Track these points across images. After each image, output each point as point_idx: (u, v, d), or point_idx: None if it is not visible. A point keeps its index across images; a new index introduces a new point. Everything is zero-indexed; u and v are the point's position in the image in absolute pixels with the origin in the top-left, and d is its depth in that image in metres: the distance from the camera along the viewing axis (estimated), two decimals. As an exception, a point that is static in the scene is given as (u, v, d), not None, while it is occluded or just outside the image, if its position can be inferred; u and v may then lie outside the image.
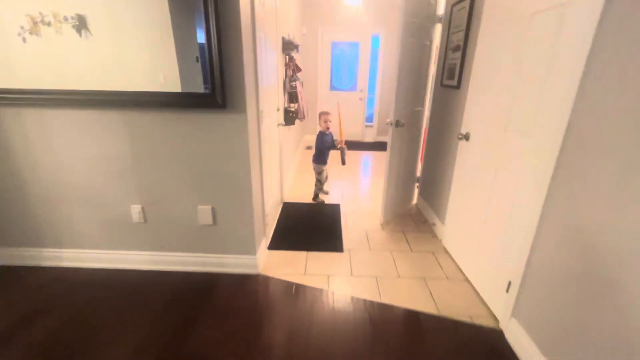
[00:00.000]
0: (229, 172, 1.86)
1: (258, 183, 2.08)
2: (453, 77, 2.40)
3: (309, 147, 5.45)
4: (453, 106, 2.42)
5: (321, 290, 1.96)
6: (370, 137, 6.19)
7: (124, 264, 2.09)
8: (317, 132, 3.16)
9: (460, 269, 2.17)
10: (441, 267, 2.21)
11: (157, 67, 1.67)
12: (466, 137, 2.08)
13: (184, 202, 1.94)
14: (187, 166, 1.86)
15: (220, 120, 1.76)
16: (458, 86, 2.32)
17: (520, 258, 1.53)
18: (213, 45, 1.59)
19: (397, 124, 2.53)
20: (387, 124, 2.54)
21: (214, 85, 1.66)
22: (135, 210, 1.97)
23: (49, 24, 1.61)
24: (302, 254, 2.32)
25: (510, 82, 1.66)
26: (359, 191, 3.62)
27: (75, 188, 1.94)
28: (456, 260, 2.24)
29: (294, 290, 1.94)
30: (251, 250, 2.04)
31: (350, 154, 4.58)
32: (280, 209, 3.03)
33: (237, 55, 1.65)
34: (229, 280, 2.03)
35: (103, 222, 2.01)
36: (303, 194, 3.42)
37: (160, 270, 2.09)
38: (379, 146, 5.69)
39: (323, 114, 3.12)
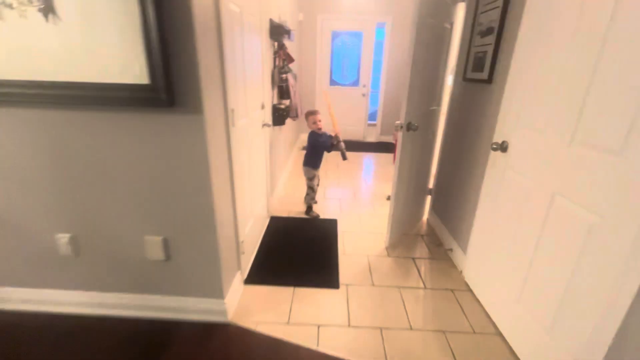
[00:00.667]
0: (184, 192, 1.37)
1: (227, 204, 1.59)
2: (482, 68, 1.89)
3: (304, 148, 4.95)
4: (482, 106, 1.92)
5: (309, 351, 1.47)
6: (372, 136, 5.68)
7: (52, 306, 1.61)
8: (309, 131, 2.67)
9: (489, 318, 1.68)
10: (465, 313, 1.72)
11: (132, 56, 1.17)
12: (502, 147, 1.58)
13: (127, 231, 1.45)
14: (129, 184, 1.37)
15: (167, 123, 1.26)
16: (489, 80, 1.81)
17: (601, 332, 1.04)
18: (149, 17, 1.09)
19: (409, 127, 2.03)
20: (397, 127, 2.04)
21: (155, 74, 1.16)
22: (62, 240, 1.48)
23: (10, 6, 1.13)
24: (287, 291, 1.83)
25: (580, 75, 1.15)
26: (360, 202, 3.13)
27: (-19, 211, 1.45)
28: (483, 304, 1.75)
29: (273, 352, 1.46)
30: (217, 292, 1.56)
31: (350, 156, 4.07)
32: (266, 225, 2.55)
33: (187, 32, 1.15)
34: (190, 331, 1.54)
35: (22, 253, 1.53)
36: (295, 205, 2.93)
37: (101, 315, 1.61)
38: (383, 147, 5.19)
39: (310, 114, 2.61)
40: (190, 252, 1.48)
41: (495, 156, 1.66)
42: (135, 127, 1.27)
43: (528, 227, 1.40)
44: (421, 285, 1.94)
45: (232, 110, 1.55)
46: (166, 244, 1.47)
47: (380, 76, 5.34)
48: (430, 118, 2.37)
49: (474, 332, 1.60)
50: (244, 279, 1.88)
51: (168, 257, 1.49)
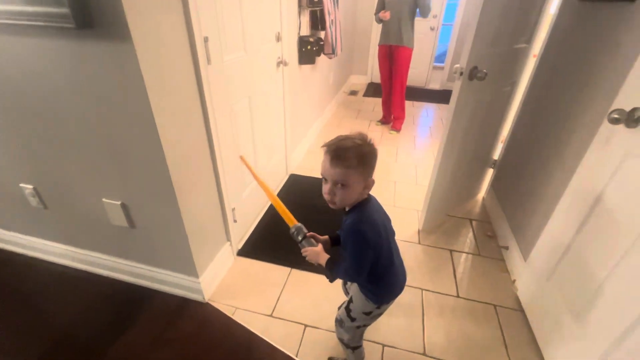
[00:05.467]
0: (130, 149, 1.05)
1: (202, 165, 1.25)
2: (621, -25, 1.10)
3: (352, 93, 4.33)
4: (605, 42, 1.17)
5: (286, 358, 1.19)
6: (437, 83, 4.73)
7: (37, 252, 1.55)
8: None
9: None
10: (505, 344, 1.25)
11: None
12: (631, 118, 0.91)
13: (84, 191, 1.22)
14: (72, 133, 1.08)
15: (83, 55, 0.89)
16: (632, -4, 1.05)
17: None
18: None
19: (474, 74, 1.38)
20: (455, 73, 1.41)
21: (50, -28, 0.76)
22: (27, 190, 1.31)
23: None
24: (282, 273, 1.54)
25: None
26: (402, 167, 2.57)
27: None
28: (538, 338, 1.25)
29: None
30: (191, 270, 1.31)
31: (407, 107, 3.31)
32: (281, 185, 2.21)
33: None
34: (162, 304, 1.37)
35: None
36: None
37: (82, 269, 1.50)
38: (449, 97, 4.26)
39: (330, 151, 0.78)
40: (153, 222, 1.22)
41: (611, 132, 1.00)
42: (59, 57, 0.92)
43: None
44: (453, 290, 1.48)
45: (206, 40, 1.11)
46: (126, 210, 1.21)
47: (458, 3, 4.19)
48: (511, 61, 1.63)
49: (515, 377, 1.15)
50: (237, 250, 1.62)
51: (132, 224, 1.25)
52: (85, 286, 1.44)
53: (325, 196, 0.79)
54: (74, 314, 1.32)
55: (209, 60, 1.14)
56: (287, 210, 0.92)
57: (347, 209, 0.83)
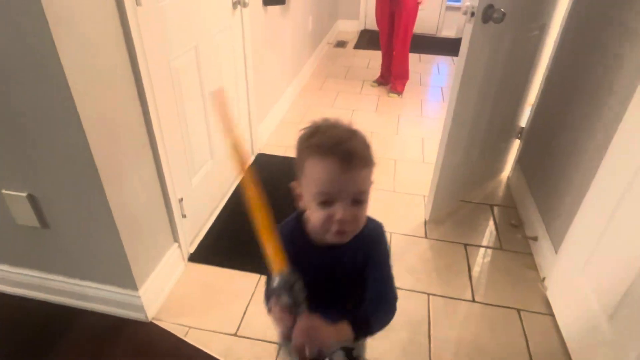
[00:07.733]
0: (41, 123, 1.05)
1: (136, 140, 1.26)
2: None
3: (340, 44, 4.33)
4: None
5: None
6: (451, 29, 4.77)
7: None
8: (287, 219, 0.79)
9: (574, 372, 1.29)
10: (531, 357, 1.34)
11: None
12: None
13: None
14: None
15: None
16: None
17: None
18: None
19: (489, 14, 1.42)
20: (465, 14, 1.44)
21: None
22: None
23: None
24: (249, 280, 1.58)
25: None
26: (405, 139, 2.62)
27: None
28: (571, 348, 1.34)
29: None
30: (127, 281, 1.34)
31: (412, 59, 3.30)
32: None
33: None
34: (92, 326, 1.40)
35: None
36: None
37: (-20, 288, 1.51)
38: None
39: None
40: (73, 219, 1.23)
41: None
42: None
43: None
44: (467, 294, 1.56)
45: (131, -28, 1.10)
46: (36, 204, 1.21)
47: None
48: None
49: (540, 394, 1.25)
50: (188, 254, 1.65)
51: (44, 223, 1.26)
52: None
53: (338, 227, 0.60)
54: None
55: (137, 1, 1.13)
56: (277, 243, 0.63)
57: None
